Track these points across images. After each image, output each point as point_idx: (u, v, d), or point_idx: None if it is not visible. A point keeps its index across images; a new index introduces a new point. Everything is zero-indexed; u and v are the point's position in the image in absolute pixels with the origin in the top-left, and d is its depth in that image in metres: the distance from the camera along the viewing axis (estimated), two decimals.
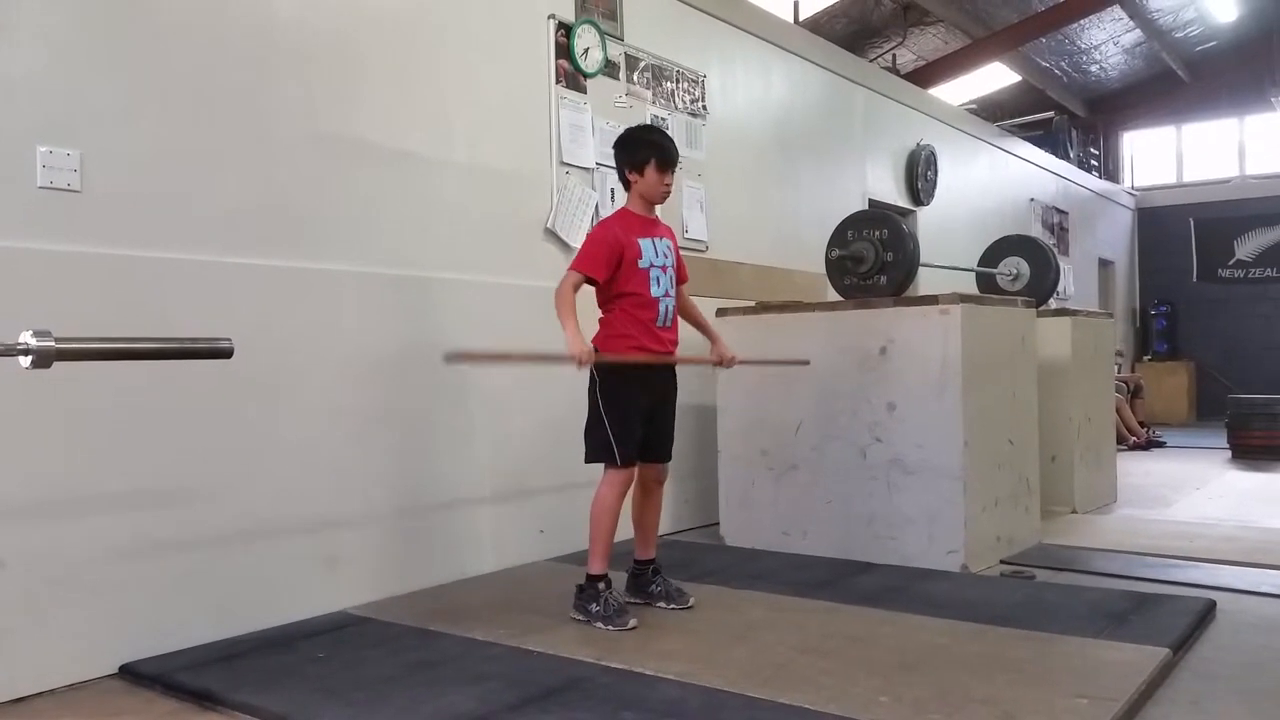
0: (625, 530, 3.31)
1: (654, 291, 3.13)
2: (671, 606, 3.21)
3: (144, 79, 2.88)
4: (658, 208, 3.31)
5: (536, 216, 4.20)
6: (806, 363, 3.96)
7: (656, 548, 3.34)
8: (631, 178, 3.20)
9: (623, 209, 3.26)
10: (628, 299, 3.12)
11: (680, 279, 3.30)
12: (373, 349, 3.45)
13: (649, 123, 4.75)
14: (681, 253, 3.36)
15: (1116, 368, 8.88)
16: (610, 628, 2.95)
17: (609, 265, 3.08)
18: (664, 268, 3.17)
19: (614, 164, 3.29)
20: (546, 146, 4.25)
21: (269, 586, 3.10)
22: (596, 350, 3.02)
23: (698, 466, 4.76)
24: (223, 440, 3.01)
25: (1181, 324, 12.47)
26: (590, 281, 3.09)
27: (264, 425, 3.12)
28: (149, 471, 2.84)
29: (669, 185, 3.20)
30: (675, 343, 3.24)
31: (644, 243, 3.14)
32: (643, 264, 3.12)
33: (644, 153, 3.17)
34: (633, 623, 2.97)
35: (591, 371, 3.09)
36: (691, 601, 3.23)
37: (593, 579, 3.07)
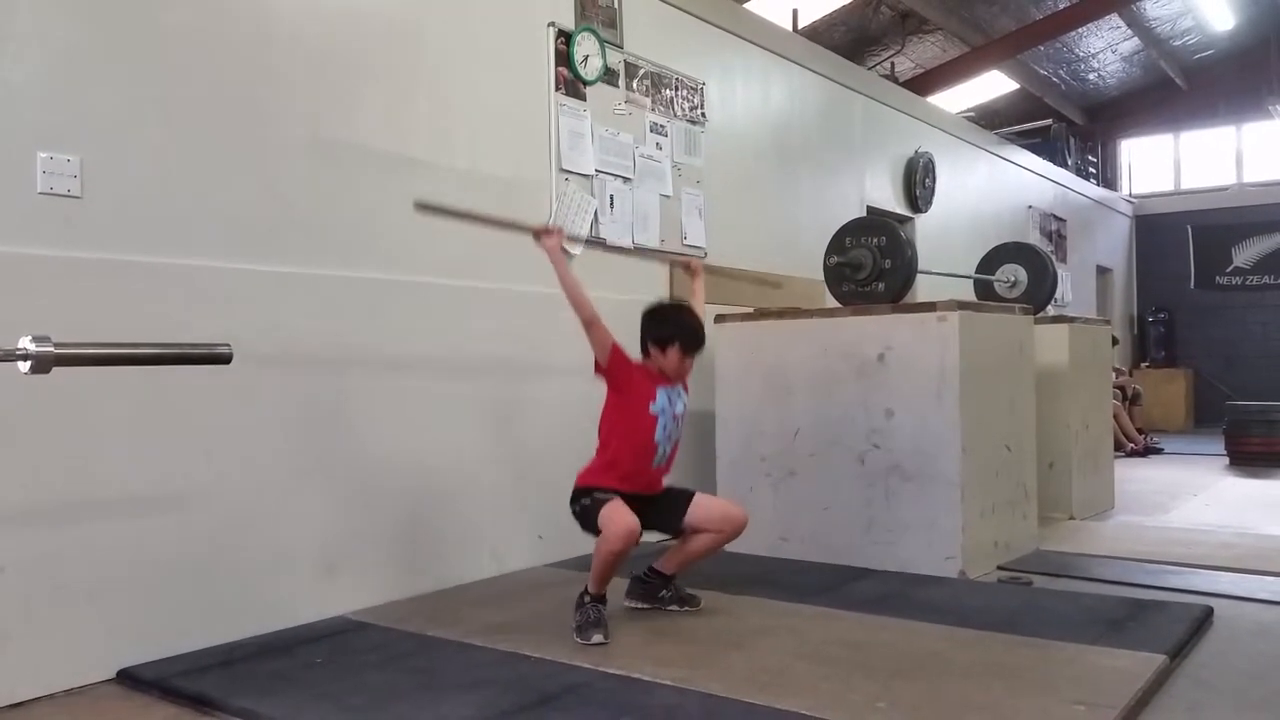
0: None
1: (657, 436, 3.12)
2: (685, 609, 3.22)
3: (145, 85, 2.89)
4: None
5: (536, 222, 4.19)
6: (779, 286, 4.06)
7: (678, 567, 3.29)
8: (653, 352, 3.17)
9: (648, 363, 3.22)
10: (628, 437, 3.10)
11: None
12: (372, 354, 3.46)
13: (650, 132, 4.77)
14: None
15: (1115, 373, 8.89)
16: (577, 638, 2.91)
17: (620, 362, 3.09)
18: (674, 415, 3.17)
19: (640, 332, 3.22)
20: (546, 153, 4.26)
21: (267, 591, 3.10)
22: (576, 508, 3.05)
23: (696, 472, 4.76)
24: (221, 445, 3.01)
25: (1179, 331, 12.49)
26: (600, 347, 3.07)
27: (263, 430, 3.12)
28: (148, 477, 2.84)
29: (689, 367, 3.20)
30: (664, 477, 3.21)
31: (660, 390, 3.14)
32: (653, 409, 3.11)
33: (670, 332, 3.14)
34: (597, 638, 2.89)
35: (572, 504, 3.09)
36: (701, 603, 3.24)
37: (585, 592, 3.03)
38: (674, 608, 3.23)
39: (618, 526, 2.92)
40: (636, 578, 3.30)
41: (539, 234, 3.10)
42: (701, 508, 3.21)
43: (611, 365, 3.10)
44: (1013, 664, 2.64)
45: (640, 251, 3.52)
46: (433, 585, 3.59)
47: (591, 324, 3.06)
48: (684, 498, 3.21)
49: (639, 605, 3.25)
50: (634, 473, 3.11)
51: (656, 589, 3.26)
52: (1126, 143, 13.66)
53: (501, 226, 3.03)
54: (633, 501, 3.02)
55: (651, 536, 3.17)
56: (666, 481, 3.26)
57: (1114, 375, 9.40)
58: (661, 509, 3.16)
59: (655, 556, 3.32)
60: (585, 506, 3.05)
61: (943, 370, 3.83)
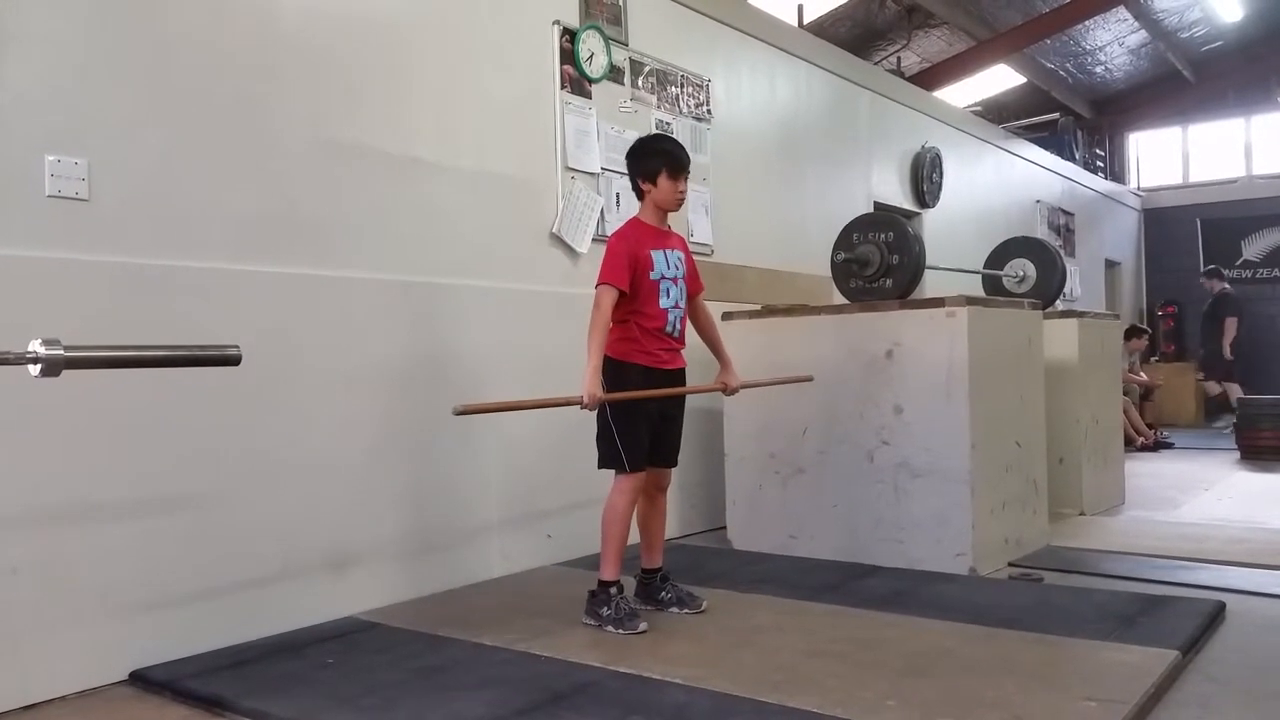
0: (634, 535, 3.32)
1: (663, 303, 3.16)
2: (685, 611, 3.21)
3: (151, 88, 2.90)
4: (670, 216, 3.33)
5: (542, 222, 4.21)
6: (810, 378, 3.96)
7: (663, 554, 3.34)
8: (645, 187, 3.21)
9: (634, 219, 3.27)
10: (636, 309, 3.13)
11: (694, 290, 3.32)
12: (380, 354, 3.46)
13: (656, 129, 4.76)
14: (694, 260, 3.37)
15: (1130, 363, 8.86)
16: (621, 631, 2.96)
17: (629, 275, 3.10)
18: (674, 279, 3.19)
19: (626, 174, 3.30)
20: (552, 152, 4.26)
21: (278, 592, 3.11)
22: (605, 387, 3.05)
23: (705, 470, 4.76)
24: (232, 447, 3.02)
25: (1189, 325, 12.43)
26: (620, 289, 3.09)
27: (273, 431, 3.13)
28: (159, 479, 2.85)
29: (683, 192, 3.22)
30: (681, 348, 3.26)
31: (656, 254, 3.16)
32: (653, 275, 3.14)
33: (655, 161, 3.19)
34: (643, 626, 2.98)
35: (604, 363, 3.10)
36: (704, 605, 3.24)
37: (604, 584, 3.09)
38: (674, 609, 3.23)
39: (621, 508, 3.10)
40: (639, 581, 3.32)
41: (586, 403, 2.97)
42: (663, 474, 3.29)
43: (626, 285, 3.08)
44: (1024, 660, 2.63)
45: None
46: (442, 585, 3.60)
47: (610, 311, 3.07)
48: (672, 457, 3.28)
49: (643, 607, 3.25)
50: (653, 340, 3.14)
51: (656, 590, 3.28)
52: (1134, 136, 13.60)
53: (545, 406, 3.04)
54: (661, 388, 3.14)
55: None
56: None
57: (1139, 374, 9.37)
58: (664, 446, 3.23)
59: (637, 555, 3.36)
60: (614, 422, 3.08)
61: (951, 366, 3.81)
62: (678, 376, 3.25)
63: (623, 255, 3.10)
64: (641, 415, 3.11)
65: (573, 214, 4.30)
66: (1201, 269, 12.07)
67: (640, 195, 3.25)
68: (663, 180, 3.17)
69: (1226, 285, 10.74)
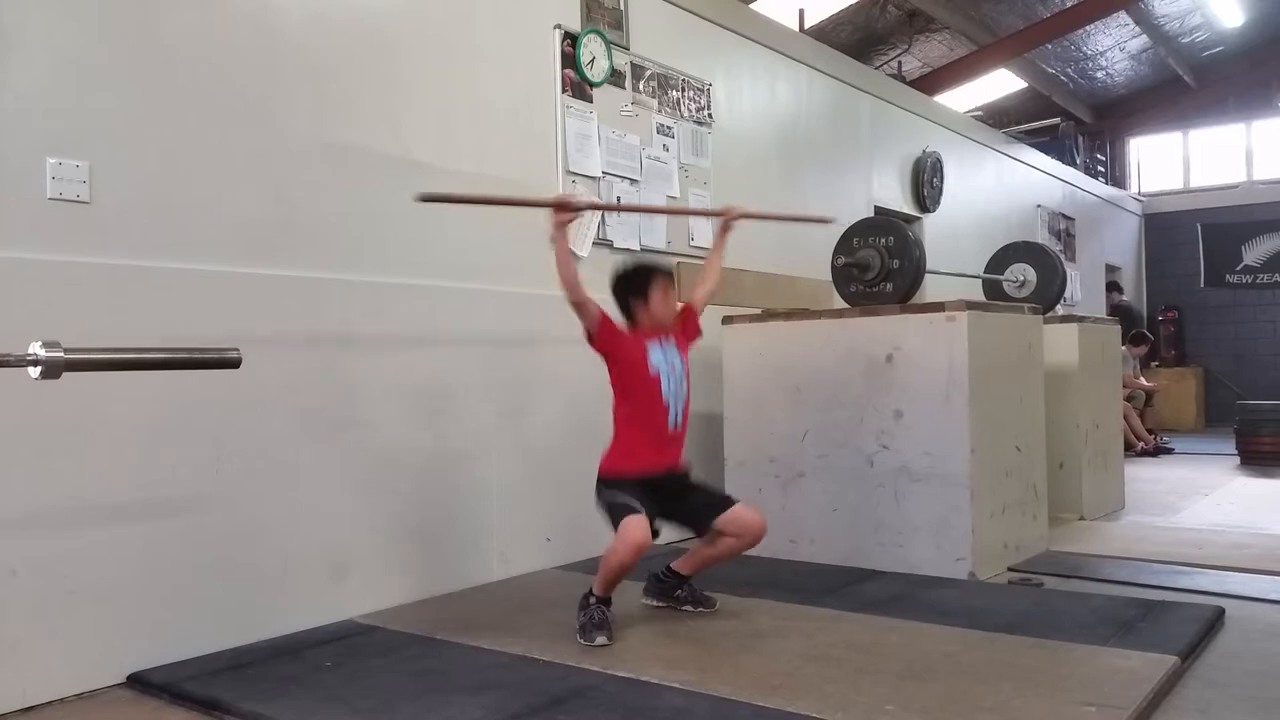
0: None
1: (665, 392, 3.11)
2: (699, 610, 3.22)
3: (152, 91, 2.90)
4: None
5: (543, 226, 4.19)
6: (832, 220, 3.93)
7: (694, 572, 3.29)
8: (639, 305, 3.17)
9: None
10: (637, 410, 3.11)
11: (694, 334, 3.32)
12: (380, 357, 3.46)
13: (657, 133, 4.76)
14: (694, 320, 3.35)
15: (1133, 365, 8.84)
16: (580, 639, 2.91)
17: (610, 328, 3.08)
18: (673, 366, 3.16)
19: (616, 304, 3.23)
20: (553, 156, 4.26)
21: (277, 595, 3.11)
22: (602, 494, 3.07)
23: (704, 475, 4.73)
24: (231, 450, 3.02)
25: (1189, 330, 12.44)
26: (589, 319, 3.05)
27: (271, 434, 3.13)
28: (158, 481, 2.85)
29: (673, 299, 3.22)
30: (682, 442, 3.20)
31: (651, 345, 3.14)
32: (652, 366, 3.11)
33: (646, 279, 3.17)
34: (600, 640, 2.89)
35: (596, 494, 3.09)
36: (716, 604, 3.24)
37: (589, 594, 3.04)
38: (688, 608, 3.23)
39: (630, 541, 2.92)
40: (654, 575, 3.31)
41: (556, 206, 3.00)
42: (733, 513, 3.19)
43: (602, 331, 3.08)
44: (1023, 665, 2.63)
45: (691, 210, 3.34)
46: (441, 588, 3.60)
47: (583, 304, 3.06)
48: (720, 502, 3.22)
49: (655, 603, 3.25)
50: (652, 444, 3.10)
51: (672, 588, 3.27)
52: (1135, 141, 13.61)
53: (512, 205, 2.99)
54: (657, 492, 3.05)
55: (675, 534, 3.20)
56: (695, 477, 3.27)
57: (1141, 379, 9.36)
58: (695, 506, 3.18)
59: (674, 556, 3.33)
60: (608, 506, 3.05)
61: (951, 371, 3.81)
62: (678, 474, 3.20)
63: (616, 326, 3.11)
64: (640, 503, 3.01)
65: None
66: (1201, 274, 12.08)
67: (632, 316, 3.19)
68: (655, 294, 3.15)
69: (1125, 298, 11.00)
